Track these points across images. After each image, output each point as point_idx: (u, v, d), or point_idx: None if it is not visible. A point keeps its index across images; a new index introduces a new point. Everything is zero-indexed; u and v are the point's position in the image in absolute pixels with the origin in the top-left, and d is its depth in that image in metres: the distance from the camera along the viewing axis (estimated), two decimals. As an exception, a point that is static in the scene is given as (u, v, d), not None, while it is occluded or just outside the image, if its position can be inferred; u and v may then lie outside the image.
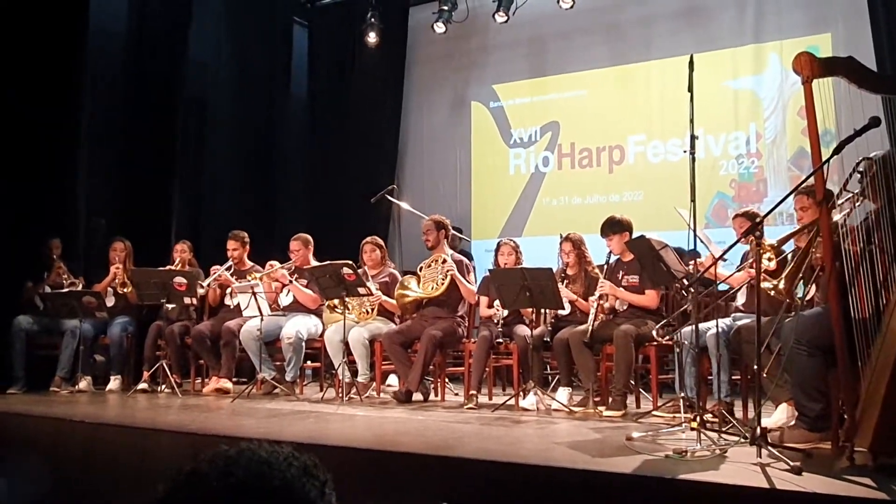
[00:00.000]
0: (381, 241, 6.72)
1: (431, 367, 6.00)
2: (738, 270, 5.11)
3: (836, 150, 3.29)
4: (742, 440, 3.50)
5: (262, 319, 6.13)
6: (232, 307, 6.75)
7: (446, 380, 6.30)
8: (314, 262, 6.50)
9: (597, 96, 8.96)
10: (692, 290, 4.25)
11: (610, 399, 5.11)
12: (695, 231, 4.23)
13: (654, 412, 4.86)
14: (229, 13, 9.43)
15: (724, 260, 4.67)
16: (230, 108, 9.44)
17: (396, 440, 3.99)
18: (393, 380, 6.53)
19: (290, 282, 6.58)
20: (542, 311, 5.66)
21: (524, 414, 5.10)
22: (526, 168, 9.34)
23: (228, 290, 6.82)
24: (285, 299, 6.72)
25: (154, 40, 8.32)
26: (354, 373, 6.11)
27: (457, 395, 6.34)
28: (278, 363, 6.47)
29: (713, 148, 8.21)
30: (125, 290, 6.92)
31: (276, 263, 6.72)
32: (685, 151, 4.34)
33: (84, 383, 6.57)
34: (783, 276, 3.82)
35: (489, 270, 5.92)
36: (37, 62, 6.73)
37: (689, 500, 2.81)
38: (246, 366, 6.84)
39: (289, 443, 1.14)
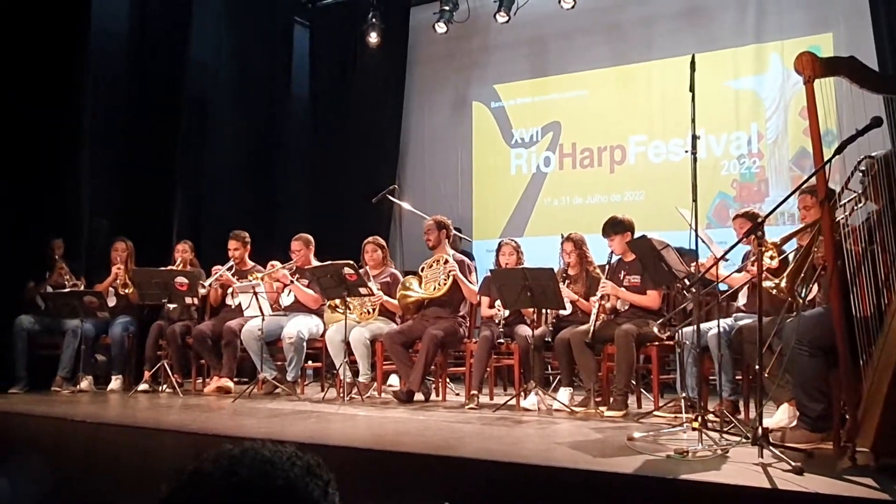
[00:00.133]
0: (382, 242, 6.72)
1: (433, 367, 6.00)
2: (739, 270, 5.11)
3: (838, 150, 3.29)
4: (743, 440, 3.50)
5: (263, 319, 6.13)
6: (233, 307, 6.75)
7: (447, 380, 6.30)
8: (315, 262, 6.50)
9: (598, 96, 8.96)
10: (693, 290, 4.25)
11: (611, 399, 5.11)
12: (696, 231, 4.23)
13: (656, 412, 4.86)
14: (230, 13, 9.43)
15: (726, 260, 4.67)
16: (231, 108, 9.44)
17: (397, 440, 3.99)
18: (394, 380, 6.53)
19: (291, 282, 6.58)
20: (544, 311, 5.66)
21: (525, 414, 5.10)
22: (527, 168, 9.34)
23: (230, 290, 6.82)
24: (286, 299, 6.72)
25: (155, 40, 8.33)
26: (356, 373, 6.12)
27: (458, 395, 6.34)
28: (279, 363, 6.47)
29: (714, 148, 8.20)
30: (126, 290, 6.92)
31: (277, 263, 6.72)
32: (687, 151, 4.34)
33: (85, 383, 6.57)
34: (785, 274, 3.82)
35: (490, 270, 5.92)
36: (38, 62, 6.73)
37: (690, 500, 2.81)
38: (247, 366, 6.84)
39: (291, 443, 1.14)
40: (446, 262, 6.08)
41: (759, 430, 3.21)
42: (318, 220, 9.30)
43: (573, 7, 8.45)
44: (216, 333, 6.53)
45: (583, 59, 9.01)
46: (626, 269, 5.51)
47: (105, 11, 7.74)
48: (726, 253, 4.17)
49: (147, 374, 6.56)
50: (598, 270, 5.76)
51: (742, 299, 5.24)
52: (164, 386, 6.42)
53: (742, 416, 4.71)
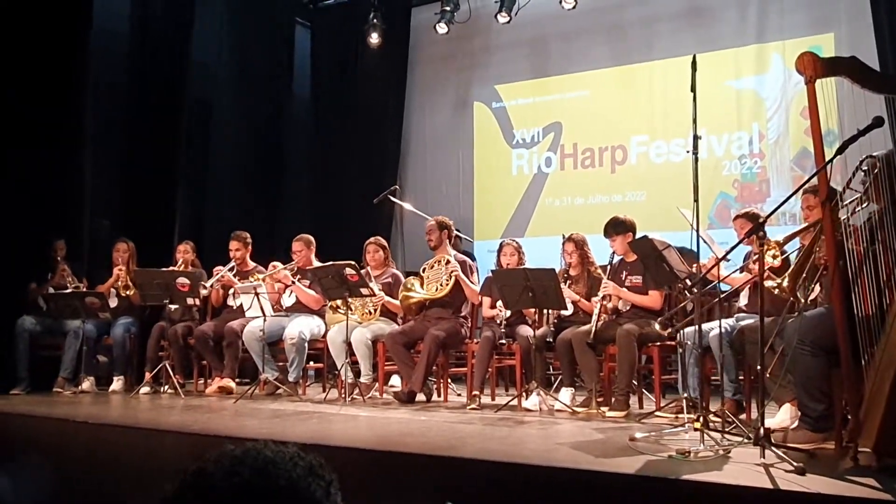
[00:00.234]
0: (384, 242, 6.72)
1: (434, 367, 6.00)
2: (741, 269, 5.10)
3: (839, 150, 3.29)
4: (745, 440, 3.50)
5: (264, 320, 6.13)
6: (235, 308, 6.75)
7: (449, 380, 6.30)
8: (316, 263, 6.50)
9: (599, 97, 8.95)
10: (694, 290, 4.25)
11: (613, 399, 5.12)
12: (697, 231, 4.23)
13: (657, 413, 4.85)
14: (231, 14, 9.44)
15: (728, 260, 4.67)
16: (233, 108, 9.46)
17: (399, 441, 3.99)
18: (396, 380, 6.53)
19: (293, 282, 6.58)
20: (545, 311, 5.65)
21: (527, 414, 5.10)
22: (528, 168, 9.34)
23: (231, 291, 6.82)
24: (288, 300, 6.72)
25: (156, 41, 8.33)
26: (357, 373, 6.12)
27: (459, 395, 6.33)
28: (281, 364, 6.47)
29: (716, 148, 8.19)
30: (128, 292, 6.93)
31: (278, 264, 6.72)
32: (688, 151, 4.34)
33: (87, 384, 6.57)
34: (787, 274, 3.82)
35: (492, 271, 5.92)
36: (40, 63, 6.74)
37: (692, 500, 2.81)
38: (249, 366, 6.84)
39: (293, 444, 1.14)
40: (448, 262, 6.08)
41: (761, 431, 3.21)
42: (320, 221, 9.31)
43: (574, 7, 8.44)
44: (218, 334, 6.53)
45: (584, 60, 9.01)
46: (628, 269, 5.51)
47: (106, 11, 7.74)
48: (728, 253, 4.17)
49: (148, 375, 6.56)
50: (599, 271, 5.76)
51: (743, 300, 5.24)
52: (166, 387, 6.42)
53: (744, 416, 4.70)
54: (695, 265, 4.59)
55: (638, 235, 5.39)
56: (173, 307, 6.74)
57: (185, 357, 6.77)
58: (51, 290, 6.75)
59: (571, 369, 5.41)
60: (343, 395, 5.84)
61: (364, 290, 5.84)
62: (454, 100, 9.86)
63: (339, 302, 6.10)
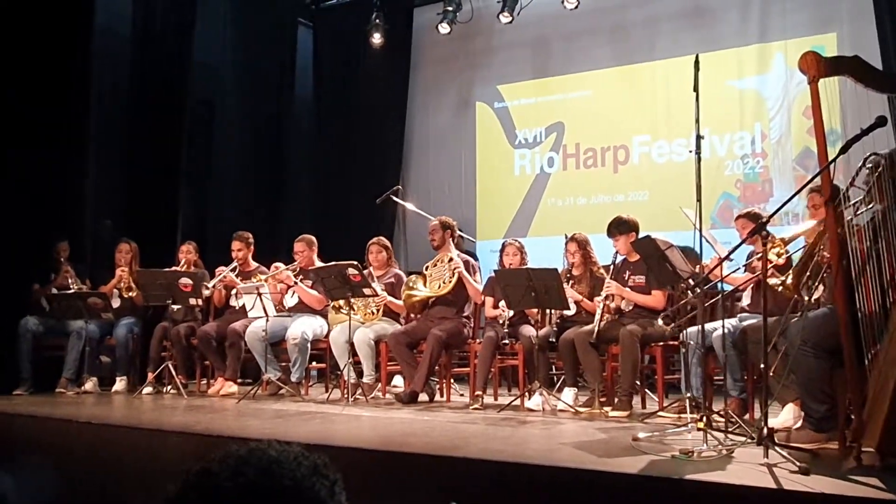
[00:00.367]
0: (387, 242, 6.71)
1: (437, 367, 6.00)
2: (745, 267, 5.10)
3: (843, 150, 3.29)
4: (749, 440, 3.49)
5: (267, 320, 6.13)
6: (237, 308, 6.75)
7: (452, 380, 6.30)
8: (318, 263, 6.50)
9: (602, 97, 8.95)
10: (697, 290, 4.25)
11: (616, 399, 5.12)
12: (701, 231, 4.23)
13: (660, 412, 4.85)
14: (234, 14, 9.45)
15: (730, 260, 4.67)
16: (235, 109, 9.46)
17: (402, 441, 3.99)
18: (398, 380, 6.53)
19: (295, 283, 6.58)
20: (548, 311, 5.65)
21: (530, 414, 5.10)
22: (531, 168, 9.34)
23: (233, 291, 6.82)
24: (290, 300, 6.72)
25: (159, 42, 8.34)
26: (360, 373, 6.12)
27: (462, 395, 6.33)
28: (284, 364, 6.47)
29: (718, 148, 8.18)
30: (130, 293, 6.93)
31: (280, 265, 6.72)
32: (691, 151, 4.33)
33: (90, 384, 6.58)
34: (791, 271, 3.82)
35: (495, 271, 5.92)
36: (42, 64, 6.74)
37: (695, 500, 2.81)
38: (251, 366, 6.84)
39: (296, 444, 1.14)
40: (451, 259, 6.08)
41: (765, 430, 3.20)
42: (322, 221, 9.32)
43: (576, 7, 8.44)
44: (220, 334, 6.54)
45: (586, 60, 9.01)
46: (631, 269, 5.51)
47: (108, 12, 7.76)
48: (731, 253, 4.17)
49: (151, 376, 6.56)
50: (601, 270, 5.76)
51: (746, 299, 5.24)
52: (169, 387, 6.43)
53: (747, 416, 4.70)
54: (697, 265, 4.59)
55: (641, 235, 5.38)
56: (176, 307, 6.75)
57: (188, 357, 6.78)
58: (54, 291, 6.76)
59: (574, 369, 5.40)
60: (346, 396, 5.83)
61: (366, 291, 5.84)
62: (456, 100, 9.86)
63: (341, 302, 6.11)
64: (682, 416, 4.51)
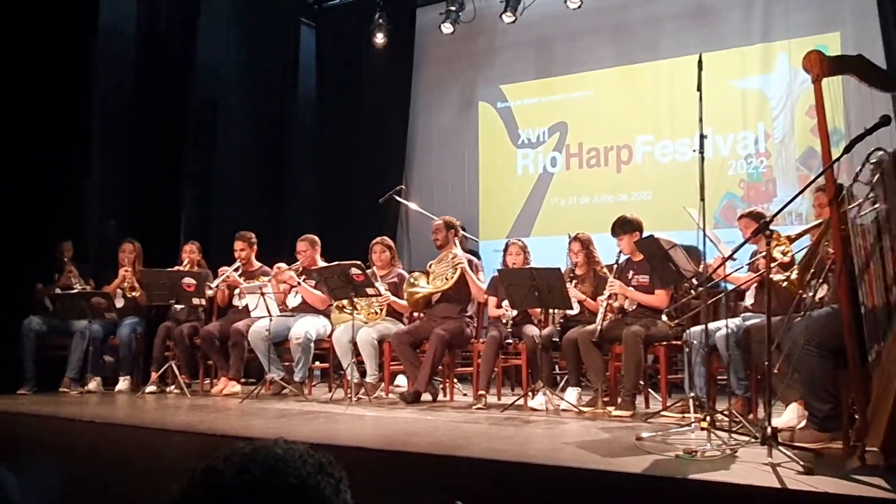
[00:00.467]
0: (390, 242, 6.71)
1: (440, 367, 6.01)
2: (749, 266, 5.10)
3: (846, 150, 3.28)
4: (752, 440, 3.49)
5: (270, 320, 6.14)
6: (240, 308, 6.76)
7: (455, 380, 6.30)
8: (321, 263, 6.50)
9: (604, 96, 8.94)
10: (701, 289, 4.24)
11: (619, 399, 5.12)
12: (704, 231, 4.22)
13: (664, 412, 4.85)
14: (237, 14, 9.45)
15: (734, 259, 4.66)
16: (238, 109, 9.47)
17: (405, 440, 3.99)
18: (401, 380, 6.53)
19: (299, 283, 6.58)
20: (551, 311, 5.65)
21: (533, 414, 5.10)
22: (534, 168, 9.33)
23: (237, 291, 6.83)
24: (293, 300, 6.72)
25: (163, 42, 8.34)
26: (363, 373, 6.12)
27: (465, 395, 6.34)
28: (287, 364, 6.47)
29: (721, 148, 8.18)
30: (134, 294, 6.95)
31: (283, 265, 6.72)
32: (695, 151, 4.33)
33: (93, 384, 6.59)
34: (795, 267, 3.81)
35: (498, 270, 5.92)
36: (46, 64, 6.76)
37: (699, 500, 2.81)
38: (254, 366, 6.84)
39: (300, 443, 1.14)
40: (454, 256, 6.08)
41: (769, 430, 3.20)
42: (325, 221, 9.32)
43: (579, 7, 8.44)
44: (223, 334, 6.55)
45: (589, 59, 9.00)
46: (635, 268, 5.51)
47: (112, 13, 7.76)
48: (734, 252, 4.16)
49: (155, 375, 6.58)
50: (605, 270, 5.76)
51: (749, 299, 5.24)
52: (172, 387, 6.45)
53: (751, 415, 4.70)
54: (701, 265, 4.59)
55: (644, 235, 5.38)
56: (179, 307, 6.77)
57: (191, 357, 6.79)
58: (58, 291, 6.77)
59: (577, 369, 5.40)
60: (349, 395, 5.84)
61: (370, 290, 5.84)
62: (459, 100, 9.86)
63: (344, 302, 6.11)
64: (686, 415, 4.51)
